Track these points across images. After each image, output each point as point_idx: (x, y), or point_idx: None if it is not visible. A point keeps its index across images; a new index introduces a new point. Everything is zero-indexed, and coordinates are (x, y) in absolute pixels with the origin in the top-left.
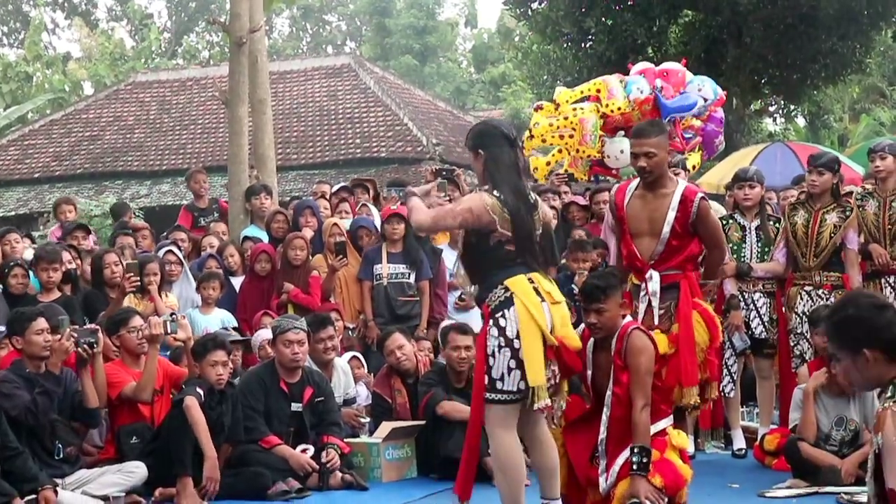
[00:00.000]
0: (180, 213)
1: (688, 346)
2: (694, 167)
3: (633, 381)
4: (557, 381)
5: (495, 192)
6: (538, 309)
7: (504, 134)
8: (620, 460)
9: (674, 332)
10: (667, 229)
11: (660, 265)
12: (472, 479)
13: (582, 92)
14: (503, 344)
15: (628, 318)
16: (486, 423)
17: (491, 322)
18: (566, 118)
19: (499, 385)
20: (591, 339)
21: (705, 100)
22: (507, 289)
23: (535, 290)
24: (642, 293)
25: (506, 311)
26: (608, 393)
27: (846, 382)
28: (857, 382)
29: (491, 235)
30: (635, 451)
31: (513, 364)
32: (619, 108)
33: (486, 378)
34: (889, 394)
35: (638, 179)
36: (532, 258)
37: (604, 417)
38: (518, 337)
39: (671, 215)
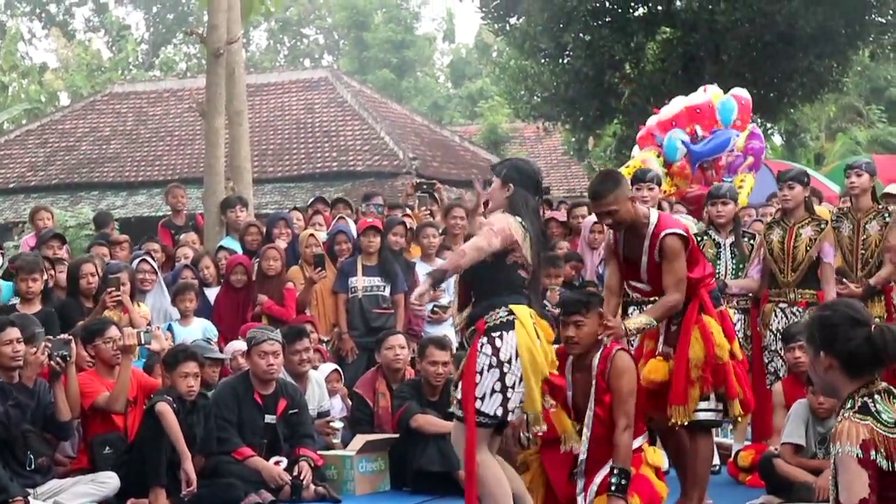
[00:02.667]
0: (159, 231)
1: (678, 365)
2: (752, 189)
3: (616, 403)
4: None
5: (517, 217)
6: (534, 338)
7: (537, 181)
8: (598, 478)
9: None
10: (643, 270)
11: (661, 294)
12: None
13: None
14: (493, 364)
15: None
16: (455, 442)
17: (485, 339)
18: (626, 167)
19: (478, 405)
20: (570, 360)
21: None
22: (511, 312)
23: (534, 324)
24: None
25: (504, 332)
26: (588, 413)
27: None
28: (814, 381)
29: (510, 255)
30: (615, 472)
31: (497, 387)
32: (665, 192)
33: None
34: (848, 406)
35: None
36: (536, 294)
37: (584, 438)
38: (510, 361)
39: (644, 259)
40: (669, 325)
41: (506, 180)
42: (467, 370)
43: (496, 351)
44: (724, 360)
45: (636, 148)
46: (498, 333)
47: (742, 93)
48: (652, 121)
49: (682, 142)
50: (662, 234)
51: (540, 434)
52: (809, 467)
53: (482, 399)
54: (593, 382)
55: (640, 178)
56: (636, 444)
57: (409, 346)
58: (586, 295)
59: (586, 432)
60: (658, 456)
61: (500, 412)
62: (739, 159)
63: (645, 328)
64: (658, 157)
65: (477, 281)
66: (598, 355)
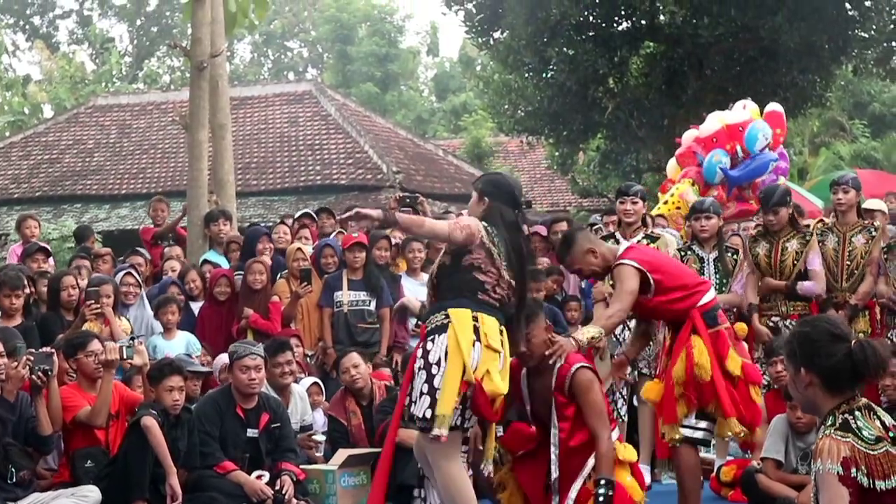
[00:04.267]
0: (141, 232)
1: (667, 385)
2: None
3: (591, 417)
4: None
5: (488, 225)
6: (468, 344)
7: (514, 195)
8: (573, 493)
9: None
10: None
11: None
12: (381, 496)
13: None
14: (422, 366)
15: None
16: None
17: (422, 343)
18: (665, 203)
19: (412, 408)
20: (524, 371)
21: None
22: (447, 316)
23: (476, 328)
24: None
25: (437, 336)
26: (553, 431)
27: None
28: (795, 397)
29: (465, 257)
30: (601, 482)
31: (424, 389)
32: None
33: (407, 400)
34: (829, 423)
35: None
36: (501, 302)
37: (553, 457)
38: (438, 363)
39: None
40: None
41: (482, 194)
42: (407, 371)
43: (426, 353)
44: (705, 380)
45: (672, 162)
46: (431, 337)
47: (778, 108)
48: (689, 136)
49: (721, 168)
50: (616, 261)
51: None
52: (792, 482)
53: (414, 402)
54: (553, 399)
55: (624, 191)
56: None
57: (392, 359)
58: (526, 308)
59: (554, 450)
60: (629, 451)
61: (428, 413)
62: (772, 178)
63: (594, 337)
64: (693, 185)
65: (440, 282)
66: (554, 371)
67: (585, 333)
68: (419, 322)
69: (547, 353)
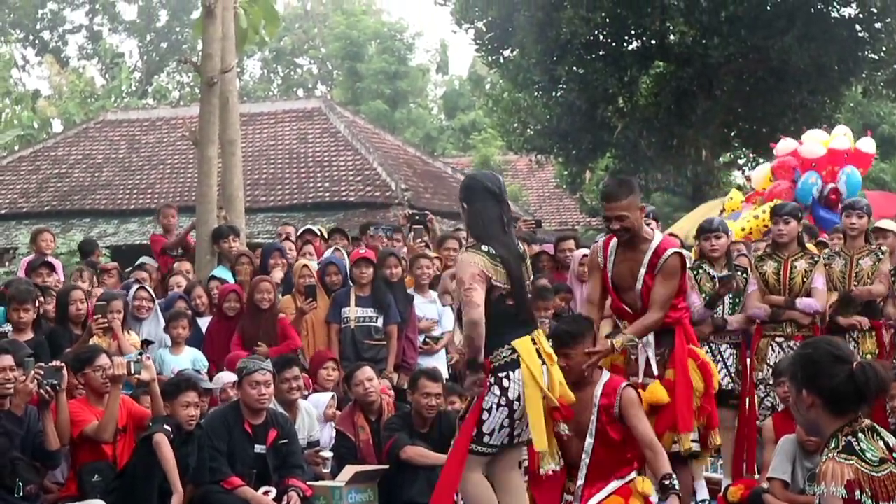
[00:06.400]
0: (151, 241)
1: (684, 392)
2: None
3: (642, 430)
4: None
5: (483, 248)
6: (540, 373)
7: (487, 188)
8: (593, 501)
9: (668, 377)
10: (639, 285)
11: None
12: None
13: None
14: (503, 403)
15: (606, 374)
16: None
17: (493, 380)
18: (757, 217)
19: (486, 439)
20: None
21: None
22: (513, 350)
23: (538, 351)
24: (640, 344)
25: (511, 372)
26: (588, 440)
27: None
28: (797, 419)
29: (492, 292)
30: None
31: (506, 423)
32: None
33: (475, 430)
34: (832, 445)
35: None
36: (528, 311)
37: (583, 464)
38: (518, 399)
39: (642, 271)
40: (658, 356)
41: (461, 202)
42: (476, 405)
43: (504, 391)
44: (712, 392)
45: (765, 170)
46: (504, 374)
47: (870, 148)
48: (785, 147)
49: (813, 210)
50: (668, 251)
51: (551, 472)
52: (799, 503)
53: (491, 434)
54: (594, 415)
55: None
56: (629, 477)
57: (398, 376)
58: (574, 326)
59: (585, 459)
60: (647, 485)
61: (506, 441)
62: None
63: (627, 346)
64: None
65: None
66: (598, 388)
67: (620, 340)
68: (427, 339)
69: (584, 362)
